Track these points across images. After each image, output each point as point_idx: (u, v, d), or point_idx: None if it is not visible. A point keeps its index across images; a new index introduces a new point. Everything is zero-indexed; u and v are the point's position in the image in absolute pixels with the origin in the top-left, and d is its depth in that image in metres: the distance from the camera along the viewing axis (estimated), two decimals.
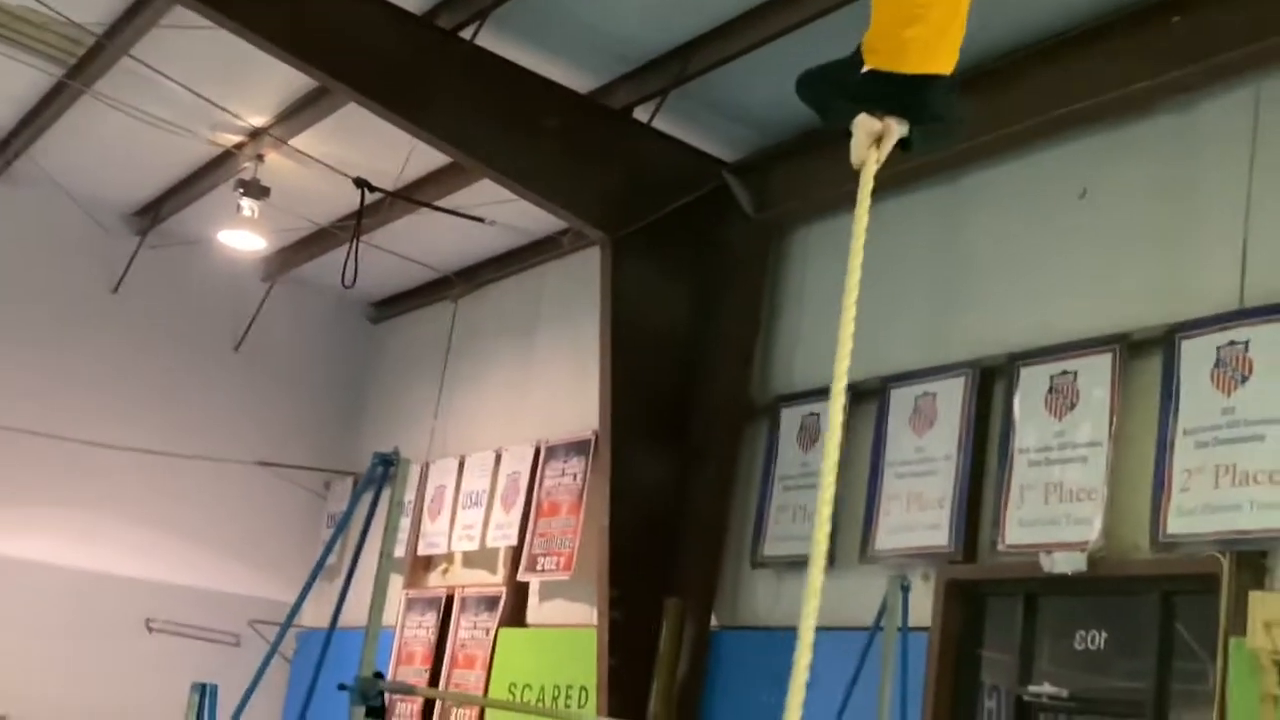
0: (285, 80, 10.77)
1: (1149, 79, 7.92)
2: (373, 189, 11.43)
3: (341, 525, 9.43)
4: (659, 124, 10.36)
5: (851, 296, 3.49)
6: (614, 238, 10.47)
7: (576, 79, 10.33)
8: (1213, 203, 7.68)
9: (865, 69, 3.45)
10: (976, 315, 8.90)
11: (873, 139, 3.49)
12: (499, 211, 11.80)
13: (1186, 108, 7.98)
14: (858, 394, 9.55)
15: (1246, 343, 7.18)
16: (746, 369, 10.56)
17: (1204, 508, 7.15)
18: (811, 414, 9.89)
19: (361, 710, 6.81)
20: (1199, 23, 7.70)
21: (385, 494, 8.01)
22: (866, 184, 3.55)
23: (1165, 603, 7.50)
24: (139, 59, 10.68)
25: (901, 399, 9.17)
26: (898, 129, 3.57)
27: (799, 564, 9.59)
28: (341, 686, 7.01)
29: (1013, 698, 8.23)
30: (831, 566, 9.33)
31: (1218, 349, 7.29)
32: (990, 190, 9.13)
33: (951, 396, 8.75)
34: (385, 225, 12.74)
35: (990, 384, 8.65)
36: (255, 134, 11.95)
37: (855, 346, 9.25)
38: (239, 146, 12.23)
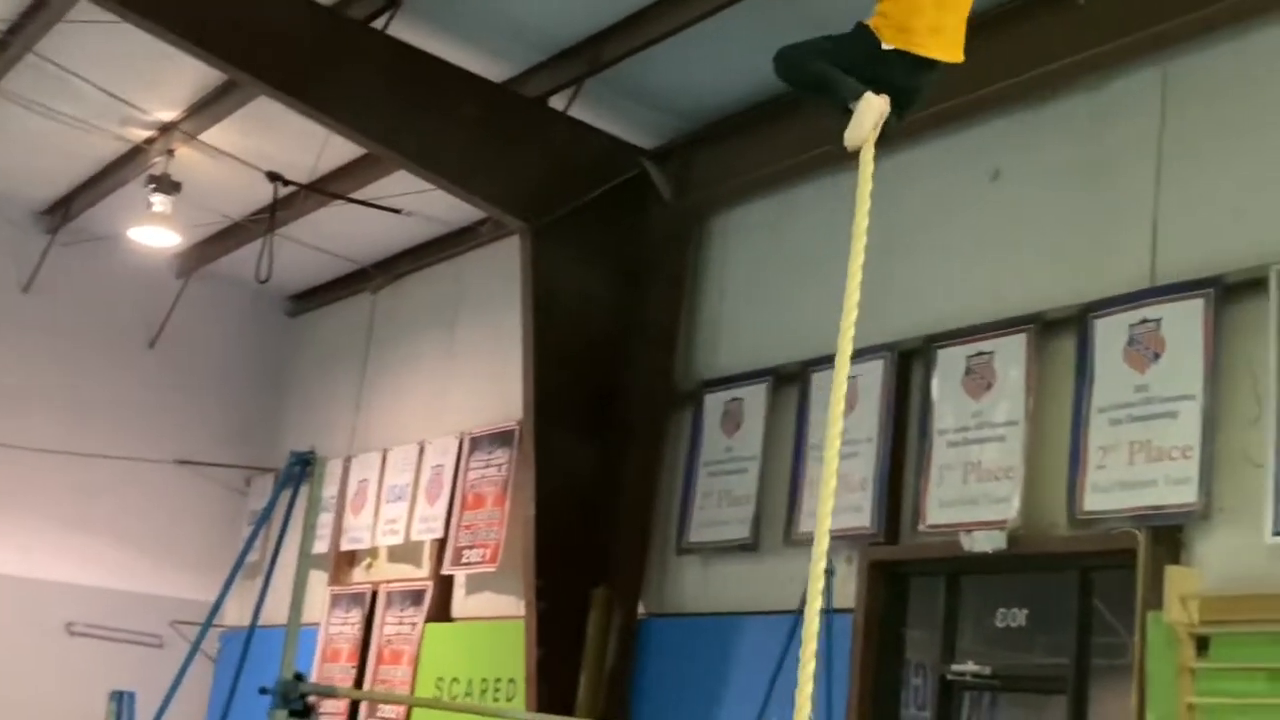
0: (195, 74, 10.61)
1: (1058, 60, 8.00)
2: (286, 182, 11.28)
3: (261, 523, 9.35)
4: (576, 112, 10.33)
5: (857, 262, 3.56)
6: (534, 226, 10.42)
7: (492, 68, 10.26)
8: (1123, 182, 7.78)
9: (887, 46, 3.49)
10: (894, 298, 8.94)
11: (881, 118, 3.57)
12: (416, 202, 11.70)
13: (1096, 89, 8.07)
14: (779, 378, 9.61)
15: (1158, 321, 7.28)
16: (670, 355, 10.57)
17: (1119, 484, 7.25)
18: (734, 399, 9.91)
19: (284, 714, 6.74)
20: (1107, 4, 7.79)
21: (305, 491, 7.93)
22: (869, 165, 3.62)
23: (1084, 579, 7.60)
24: (45, 56, 10.47)
25: (822, 383, 9.19)
26: (888, 111, 3.65)
27: (724, 549, 9.63)
28: (263, 690, 6.93)
29: (936, 676, 8.31)
30: (756, 551, 9.39)
31: (1130, 327, 7.39)
32: (905, 174, 9.16)
33: (871, 379, 8.81)
34: (301, 218, 12.59)
35: (909, 366, 8.72)
36: (166, 129, 11.76)
37: (775, 331, 9.34)
38: (149, 142, 12.04)
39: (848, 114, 3.79)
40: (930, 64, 3.70)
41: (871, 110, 3.58)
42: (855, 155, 9.59)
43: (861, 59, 3.72)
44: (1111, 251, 7.72)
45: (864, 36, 3.78)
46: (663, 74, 9.89)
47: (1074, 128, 8.17)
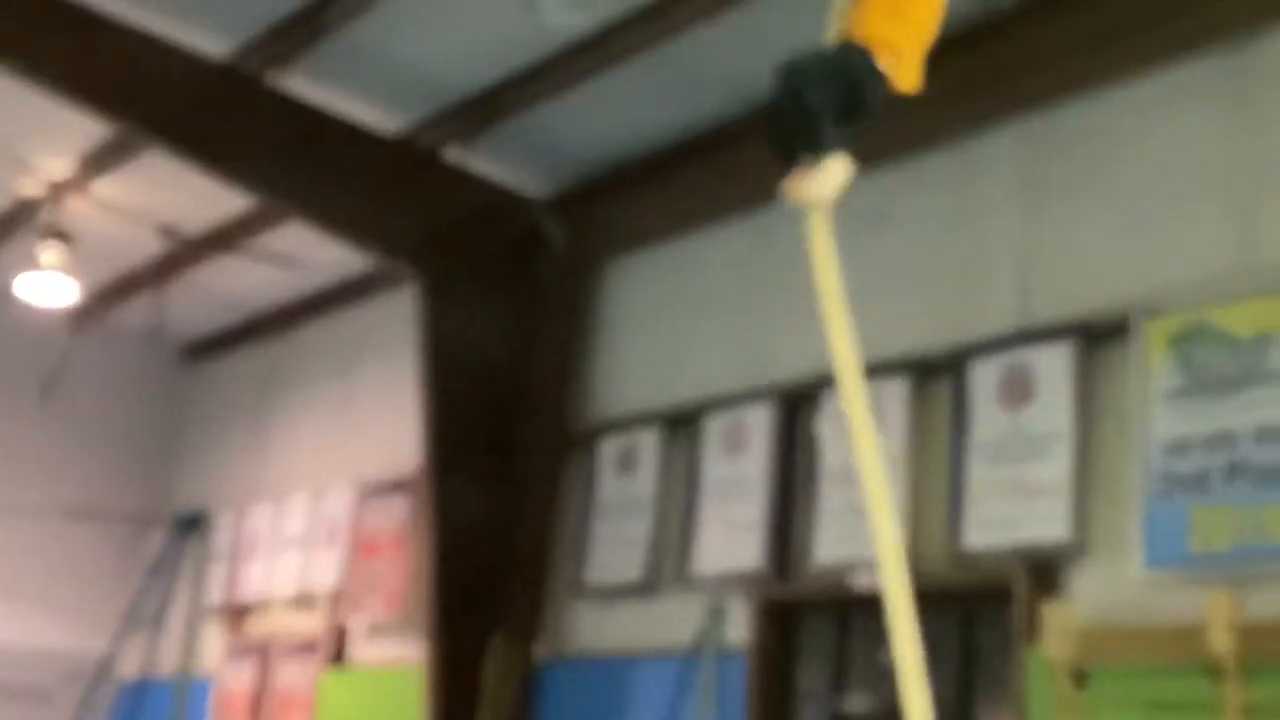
0: (87, 125, 10.57)
1: (931, 115, 8.28)
2: (179, 235, 11.26)
3: (153, 575, 9.31)
4: (471, 163, 10.47)
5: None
6: (428, 277, 10.52)
7: (386, 120, 10.36)
8: (993, 231, 8.08)
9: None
10: (782, 340, 9.18)
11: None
12: (312, 252, 11.74)
13: (967, 142, 8.38)
14: (671, 420, 9.79)
15: (1029, 364, 7.58)
16: (565, 401, 10.69)
17: (997, 522, 7.51)
18: (629, 443, 10.07)
19: None
20: (976, 60, 8.10)
21: (197, 542, 7.93)
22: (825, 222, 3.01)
23: (965, 615, 7.84)
24: None
25: (714, 424, 9.41)
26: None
27: (621, 592, 9.76)
28: None
29: (828, 712, 8.50)
30: (652, 592, 9.53)
31: (1002, 370, 7.69)
32: (788, 220, 9.41)
33: (761, 420, 9.02)
34: (195, 268, 12.56)
35: (797, 407, 8.94)
36: (56, 181, 11.68)
37: (668, 376, 9.55)
38: (39, 194, 11.94)
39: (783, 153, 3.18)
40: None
41: (841, 175, 3.04)
42: (743, 203, 9.84)
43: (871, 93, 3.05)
44: (983, 297, 8.02)
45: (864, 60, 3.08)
46: (557, 125, 10.06)
47: (947, 178, 8.48)
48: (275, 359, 14.21)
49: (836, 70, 2.96)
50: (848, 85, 2.95)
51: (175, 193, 11.31)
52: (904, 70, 3.03)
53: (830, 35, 3.04)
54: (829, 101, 2.96)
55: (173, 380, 15.69)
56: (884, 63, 2.96)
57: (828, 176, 2.93)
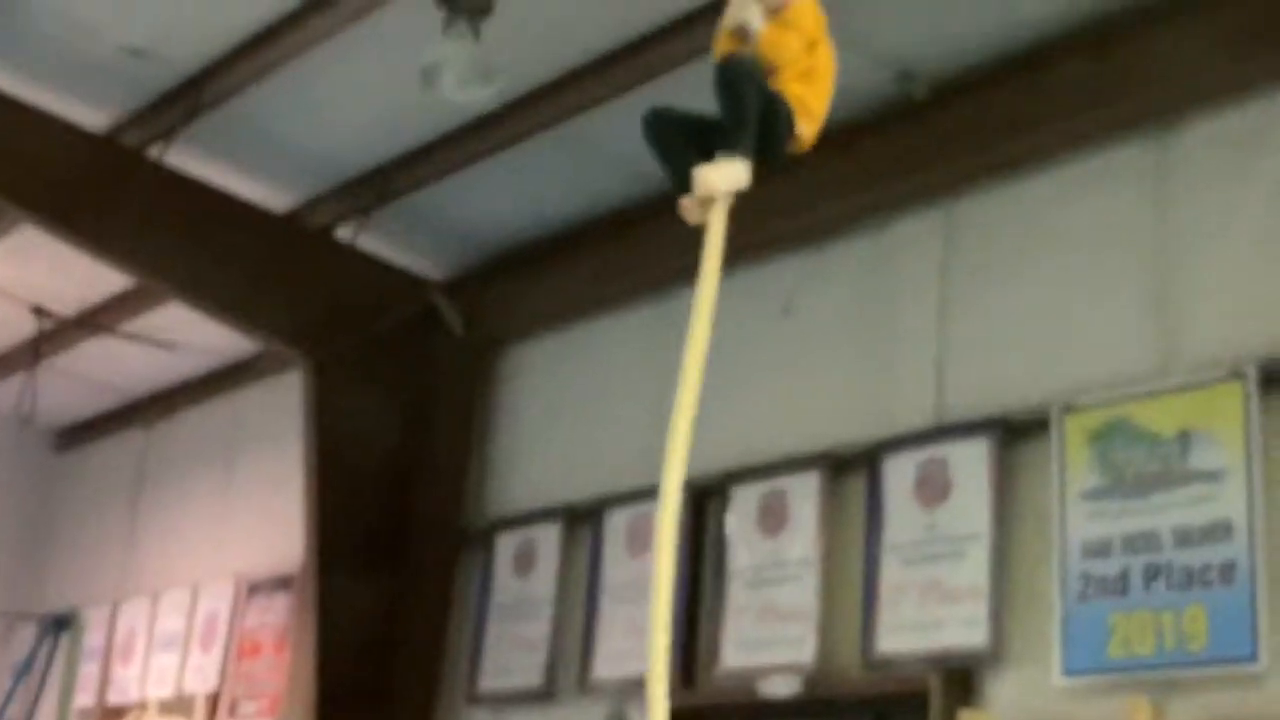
0: None
1: (845, 199, 8.12)
2: (52, 315, 10.72)
3: (20, 676, 8.72)
4: (363, 243, 10.10)
5: (694, 374, 3.39)
6: (316, 361, 10.10)
7: (274, 197, 9.98)
8: (909, 321, 7.88)
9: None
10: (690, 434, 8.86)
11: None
12: (192, 334, 11.25)
13: (881, 227, 8.20)
14: (574, 516, 9.41)
15: (945, 460, 7.34)
16: (459, 494, 10.29)
17: (912, 626, 7.22)
18: (527, 539, 9.66)
19: None
20: (889, 146, 7.96)
21: (67, 641, 7.38)
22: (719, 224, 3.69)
23: None
24: None
25: (617, 520, 9.05)
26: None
27: (518, 699, 9.30)
28: None
29: None
30: (551, 699, 9.08)
31: (918, 466, 7.44)
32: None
33: None
34: (69, 350, 12.00)
35: (705, 504, 8.59)
36: None
37: (569, 469, 9.05)
38: None
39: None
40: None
41: (741, 176, 3.63)
42: (649, 291, 9.56)
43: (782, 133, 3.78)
44: (899, 389, 7.78)
45: (787, 112, 3.75)
46: (453, 205, 9.75)
47: (861, 265, 8.27)
48: (152, 446, 13.61)
49: (767, 99, 3.53)
50: (770, 117, 3.54)
51: (50, 271, 10.77)
52: (809, 127, 3.66)
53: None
54: (753, 115, 3.55)
55: (43, 469, 14.97)
56: (798, 119, 3.58)
57: (733, 171, 3.47)
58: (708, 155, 3.67)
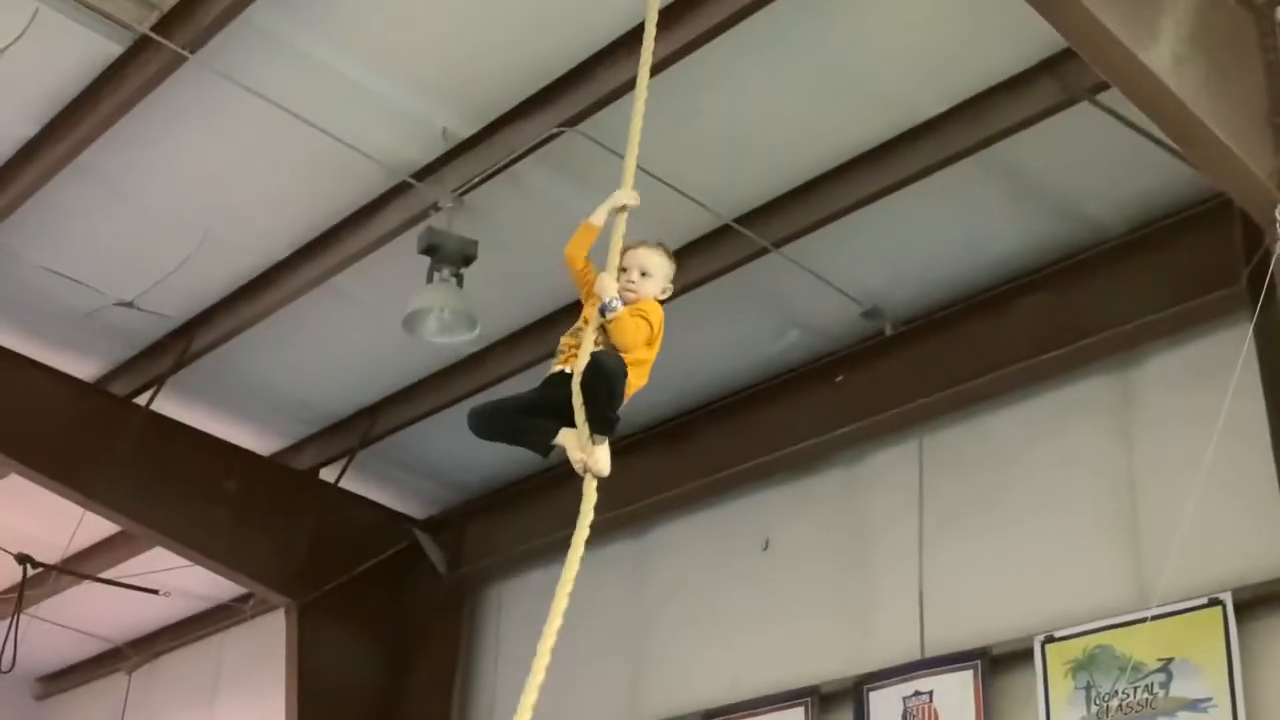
0: None
1: (819, 434, 8.25)
2: (36, 564, 10.68)
3: None
4: (348, 483, 10.18)
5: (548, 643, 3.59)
6: (300, 602, 10.08)
7: (260, 441, 10.12)
8: (888, 553, 7.93)
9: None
10: (669, 672, 8.82)
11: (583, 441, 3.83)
12: (176, 578, 11.18)
13: (856, 460, 8.32)
14: None
15: (931, 692, 7.31)
16: None
17: None
18: None
19: None
20: (862, 380, 8.14)
21: None
22: (591, 494, 3.84)
23: None
24: None
25: None
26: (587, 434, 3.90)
27: None
28: None
29: None
30: None
31: (904, 699, 7.41)
32: (676, 543, 9.22)
33: None
34: (52, 597, 11.88)
35: None
36: None
37: (553, 704, 8.93)
38: None
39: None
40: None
41: (569, 440, 3.89)
42: (625, 527, 9.61)
43: (562, 396, 3.95)
44: (882, 622, 7.79)
45: (622, 368, 3.96)
46: (434, 446, 9.87)
47: (838, 498, 8.36)
48: (134, 689, 13.38)
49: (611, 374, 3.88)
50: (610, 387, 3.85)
51: (34, 518, 10.76)
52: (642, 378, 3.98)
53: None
54: (520, 408, 4.00)
55: (26, 715, 14.68)
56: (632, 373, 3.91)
57: (604, 454, 3.77)
58: (555, 422, 3.98)
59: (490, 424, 4.20)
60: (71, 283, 8.53)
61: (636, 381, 4.04)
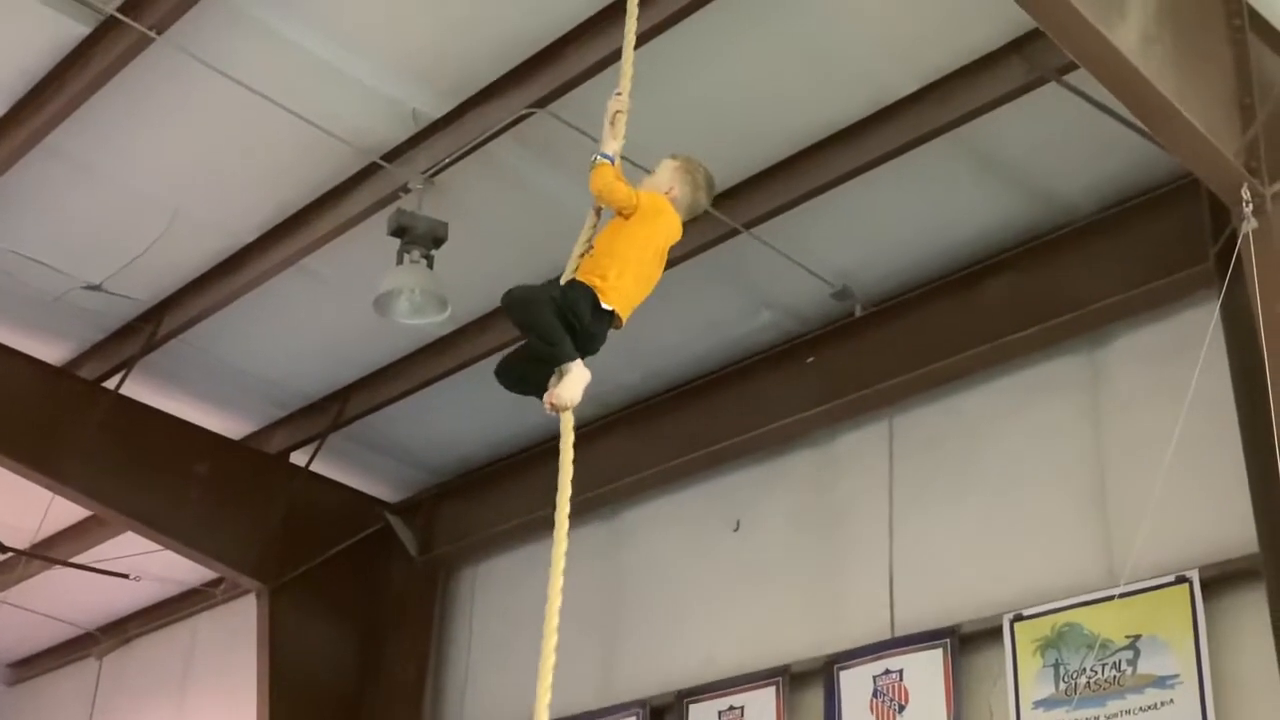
0: None
1: (789, 415, 8.27)
2: (4, 549, 10.63)
3: None
4: (319, 467, 10.15)
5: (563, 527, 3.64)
6: (271, 585, 10.06)
7: (230, 424, 10.07)
8: (859, 532, 7.97)
9: (607, 306, 3.97)
10: (643, 653, 8.85)
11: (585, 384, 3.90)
12: (147, 562, 11.14)
13: (827, 441, 8.35)
14: None
15: (900, 671, 7.35)
16: (416, 716, 10.12)
17: None
18: None
19: None
20: (832, 361, 8.17)
21: None
22: (570, 429, 3.88)
23: None
24: None
25: None
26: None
27: None
28: None
29: None
30: None
31: (874, 678, 7.45)
32: (647, 525, 9.24)
33: None
34: (22, 582, 11.84)
35: None
36: None
37: (525, 686, 8.89)
38: None
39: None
40: (611, 325, 4.09)
41: (584, 378, 3.91)
42: (597, 509, 9.61)
43: (586, 319, 3.98)
44: (852, 602, 7.83)
45: (587, 295, 4.01)
46: (406, 429, 9.86)
47: (809, 478, 8.39)
48: (105, 674, 13.33)
49: (552, 287, 3.98)
50: (564, 293, 3.92)
51: (3, 502, 10.70)
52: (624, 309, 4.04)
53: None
54: (554, 312, 3.90)
55: None
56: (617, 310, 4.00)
57: (573, 382, 3.82)
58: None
59: (527, 313, 4.07)
60: (39, 265, 8.46)
61: (641, 292, 4.09)
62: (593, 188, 4.14)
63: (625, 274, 4.04)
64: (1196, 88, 5.30)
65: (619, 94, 4.31)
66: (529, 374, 4.06)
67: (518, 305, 4.03)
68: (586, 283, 4.02)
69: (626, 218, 4.15)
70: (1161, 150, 6.03)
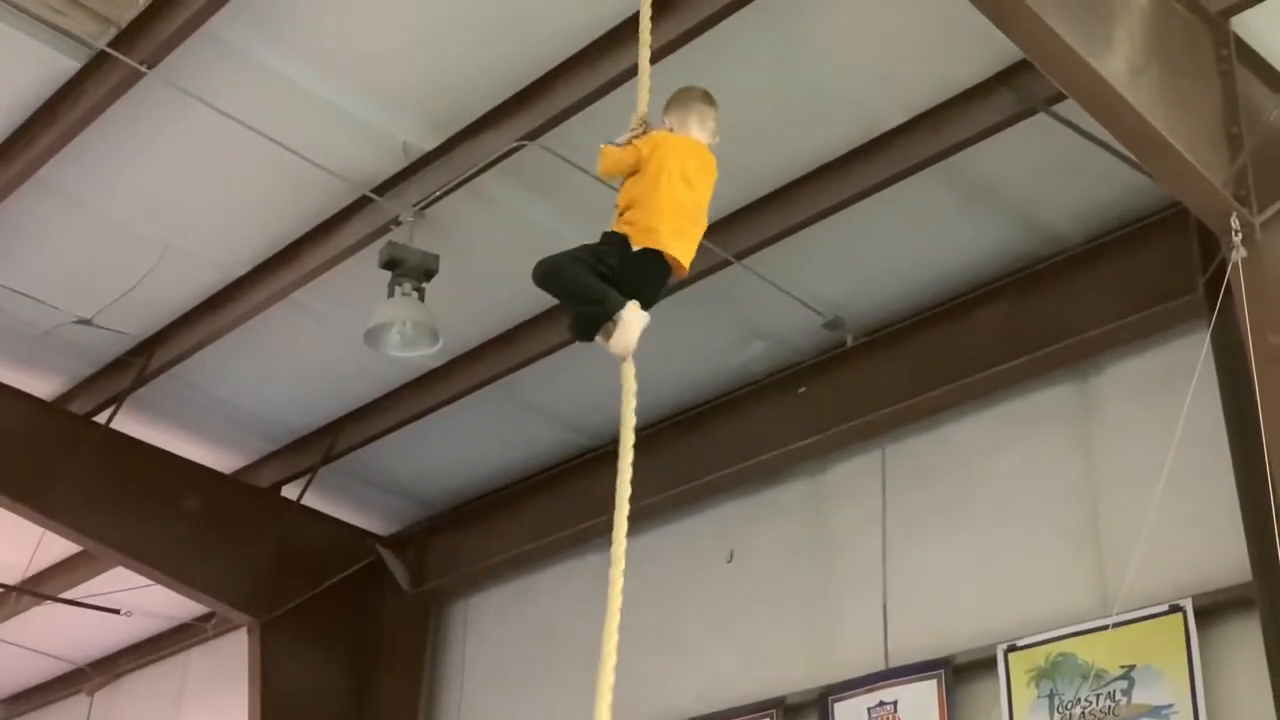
0: None
1: (782, 445, 8.27)
2: None
3: None
4: (310, 500, 10.12)
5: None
6: (263, 620, 10.02)
7: (221, 458, 10.05)
8: (852, 563, 7.95)
9: (637, 248, 3.98)
10: (635, 684, 8.75)
11: (645, 328, 3.91)
12: (138, 597, 11.11)
13: (820, 471, 8.34)
14: None
15: (895, 702, 7.33)
16: None
17: None
18: None
19: None
20: (825, 391, 8.16)
21: None
22: (631, 378, 3.87)
23: None
24: None
25: None
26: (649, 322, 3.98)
27: None
28: None
29: None
30: None
31: (869, 709, 7.42)
32: (641, 555, 9.16)
33: None
34: (12, 617, 11.78)
35: None
36: None
37: (518, 718, 8.83)
38: None
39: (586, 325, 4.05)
40: (667, 268, 4.08)
41: (639, 320, 3.91)
42: (594, 539, 9.61)
43: (617, 265, 3.99)
44: (846, 632, 7.81)
45: (615, 241, 4.04)
46: (397, 462, 9.84)
47: (802, 509, 8.38)
48: (96, 710, 13.25)
49: (580, 250, 4.00)
50: (593, 252, 3.97)
51: None
52: (678, 247, 4.05)
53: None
54: (586, 269, 3.95)
55: None
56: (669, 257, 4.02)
57: (627, 329, 3.83)
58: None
59: (556, 279, 4.13)
60: (29, 300, 8.45)
61: (685, 249, 4.07)
62: (601, 170, 4.24)
63: (649, 211, 4.05)
64: (1184, 117, 5.32)
65: (638, 114, 4.41)
66: (600, 326, 4.05)
67: (545, 276, 4.09)
68: (616, 231, 4.09)
69: (639, 171, 4.20)
70: (1150, 180, 6.05)
